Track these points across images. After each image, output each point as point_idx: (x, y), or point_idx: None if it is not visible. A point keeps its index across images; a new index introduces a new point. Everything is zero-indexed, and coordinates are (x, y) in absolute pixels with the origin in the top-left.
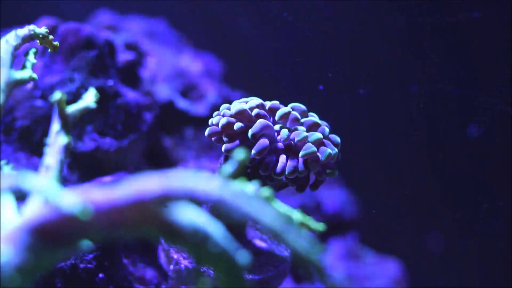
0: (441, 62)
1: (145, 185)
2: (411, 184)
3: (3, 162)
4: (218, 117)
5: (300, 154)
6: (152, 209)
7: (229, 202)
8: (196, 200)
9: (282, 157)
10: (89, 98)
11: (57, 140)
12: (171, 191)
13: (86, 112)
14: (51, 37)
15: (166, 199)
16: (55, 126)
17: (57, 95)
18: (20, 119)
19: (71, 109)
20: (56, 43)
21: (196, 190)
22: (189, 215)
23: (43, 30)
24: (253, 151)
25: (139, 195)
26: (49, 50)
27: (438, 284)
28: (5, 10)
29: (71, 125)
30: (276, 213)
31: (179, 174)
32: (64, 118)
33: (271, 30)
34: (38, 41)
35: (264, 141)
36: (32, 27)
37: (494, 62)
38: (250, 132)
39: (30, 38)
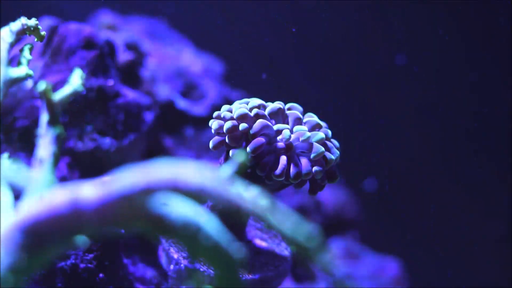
0: (442, 63)
1: (128, 179)
2: (411, 184)
3: (4, 155)
4: (218, 121)
5: (312, 156)
6: (139, 202)
7: (210, 189)
8: (179, 189)
9: (283, 159)
10: (76, 81)
11: (48, 131)
12: (154, 183)
13: (76, 103)
14: (39, 27)
15: (149, 191)
16: (44, 116)
17: (42, 85)
18: (20, 119)
19: (59, 96)
20: (43, 33)
21: (177, 180)
22: (179, 207)
23: (33, 22)
24: (248, 149)
25: (123, 189)
26: (35, 40)
27: (438, 284)
28: (5, 10)
29: (60, 114)
30: (258, 197)
31: (160, 164)
32: (52, 107)
33: (271, 30)
34: (27, 33)
35: (259, 139)
36: (24, 20)
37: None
38: (250, 132)
39: (23, 32)
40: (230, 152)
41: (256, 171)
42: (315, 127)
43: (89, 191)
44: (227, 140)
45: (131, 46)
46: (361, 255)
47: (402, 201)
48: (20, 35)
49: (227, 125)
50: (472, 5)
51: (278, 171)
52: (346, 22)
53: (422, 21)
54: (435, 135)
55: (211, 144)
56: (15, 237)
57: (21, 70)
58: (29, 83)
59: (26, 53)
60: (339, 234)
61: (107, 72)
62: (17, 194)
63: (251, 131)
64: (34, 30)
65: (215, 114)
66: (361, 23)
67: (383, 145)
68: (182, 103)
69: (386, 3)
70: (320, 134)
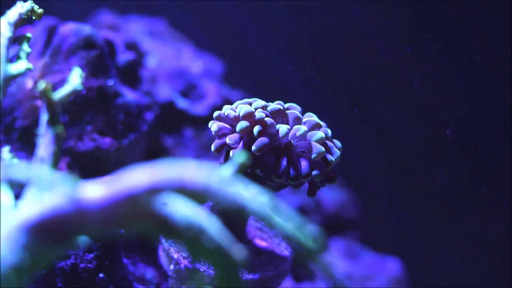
0: (441, 62)
1: (133, 179)
2: (411, 184)
3: (5, 148)
4: (217, 123)
5: (312, 156)
6: (143, 203)
7: (215, 189)
8: (185, 190)
9: (283, 159)
10: (75, 80)
11: (48, 130)
12: (159, 183)
13: (76, 103)
14: (36, 7)
15: (155, 191)
16: (44, 116)
17: (42, 84)
18: (20, 119)
19: (58, 95)
20: (40, 10)
21: (183, 180)
22: (182, 209)
23: (29, 4)
24: (253, 147)
25: (128, 189)
26: (33, 18)
27: (438, 284)
28: (5, 10)
29: (60, 113)
30: (263, 198)
31: (166, 164)
32: (52, 106)
33: (271, 30)
34: (25, 16)
35: (263, 139)
36: (20, 7)
37: (495, 63)
38: (255, 130)
39: (21, 21)
40: (231, 153)
41: (256, 171)
42: (314, 127)
43: (93, 190)
44: (227, 141)
45: (131, 46)
46: (361, 255)
47: (402, 201)
48: (18, 26)
49: (242, 125)
50: (471, 5)
51: (278, 172)
52: (346, 21)
53: (421, 19)
54: (435, 135)
55: (213, 147)
56: (18, 236)
57: (20, 65)
58: (29, 83)
59: (25, 46)
60: (339, 234)
61: (107, 72)
62: (17, 194)
63: (256, 130)
64: (32, 12)
65: (215, 114)
66: (361, 21)
67: (384, 144)
68: (182, 103)
69: (386, 3)
70: (320, 134)
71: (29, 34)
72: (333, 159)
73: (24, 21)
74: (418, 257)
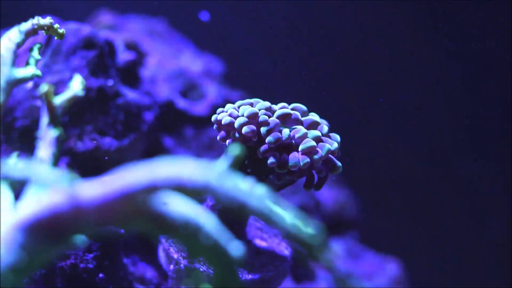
0: (442, 61)
1: (130, 177)
2: (411, 184)
3: (14, 154)
4: (225, 115)
5: (300, 148)
6: (140, 201)
7: (214, 187)
8: (183, 188)
9: (284, 155)
10: (76, 86)
11: (48, 133)
12: (157, 181)
13: (76, 103)
14: (56, 25)
15: (152, 189)
16: (45, 118)
17: (44, 87)
18: (20, 119)
19: (59, 100)
20: (62, 30)
21: (182, 178)
22: (180, 206)
23: (47, 21)
24: (269, 139)
25: (125, 187)
26: (55, 38)
27: (438, 284)
28: (5, 10)
29: (60, 117)
30: (263, 196)
31: (164, 162)
32: (52, 110)
33: (271, 30)
34: (44, 32)
35: (277, 133)
36: (36, 20)
37: (494, 62)
38: (263, 130)
39: (34, 32)
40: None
41: (255, 172)
42: (311, 125)
43: (89, 189)
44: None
45: (131, 46)
46: (361, 255)
47: (402, 201)
48: (29, 36)
49: (240, 120)
50: (471, 4)
51: (280, 163)
52: (346, 22)
53: (421, 19)
54: (435, 135)
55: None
56: (16, 236)
57: (27, 71)
58: (29, 83)
59: (35, 53)
60: (339, 234)
61: (107, 72)
62: (17, 194)
63: (264, 129)
64: (50, 29)
65: (219, 110)
66: (361, 21)
67: (383, 145)
68: (182, 103)
69: (387, 2)
70: (315, 132)
71: (40, 43)
72: (325, 152)
73: (36, 32)
74: (418, 257)
